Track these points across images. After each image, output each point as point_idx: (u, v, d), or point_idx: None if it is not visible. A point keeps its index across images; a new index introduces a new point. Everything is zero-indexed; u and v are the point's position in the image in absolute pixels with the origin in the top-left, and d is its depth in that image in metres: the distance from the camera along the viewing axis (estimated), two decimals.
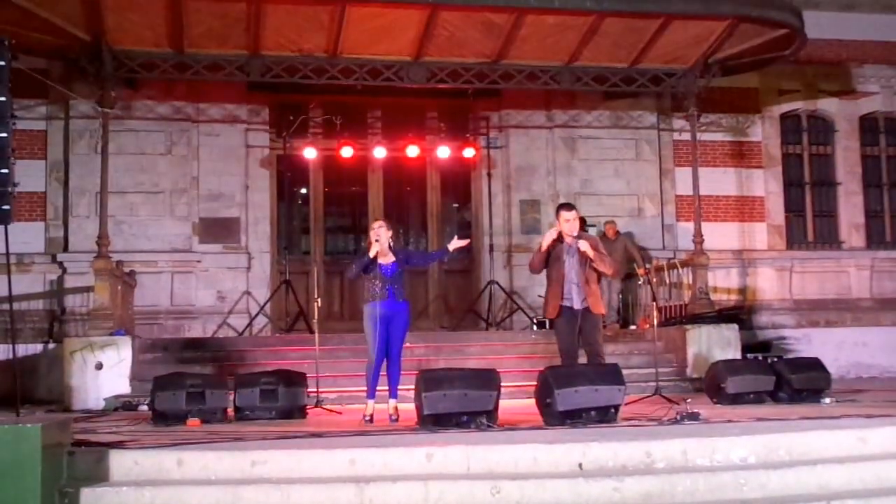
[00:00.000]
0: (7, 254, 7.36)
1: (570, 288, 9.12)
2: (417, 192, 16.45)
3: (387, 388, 9.04)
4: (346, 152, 15.05)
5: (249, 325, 14.30)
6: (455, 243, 9.25)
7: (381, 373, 9.03)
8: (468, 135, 15.90)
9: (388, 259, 9.04)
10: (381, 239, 8.99)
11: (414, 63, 13.84)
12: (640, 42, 13.68)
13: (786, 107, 17.19)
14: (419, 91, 14.73)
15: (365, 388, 9.03)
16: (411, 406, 8.62)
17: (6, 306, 8.33)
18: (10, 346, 8.39)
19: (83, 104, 14.39)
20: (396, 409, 8.96)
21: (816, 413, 8.59)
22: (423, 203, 16.46)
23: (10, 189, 7.01)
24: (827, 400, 10.06)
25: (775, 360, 11.90)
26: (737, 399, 9.93)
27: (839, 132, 17.37)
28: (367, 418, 8.83)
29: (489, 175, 15.45)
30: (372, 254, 8.88)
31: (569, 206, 9.43)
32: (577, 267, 9.14)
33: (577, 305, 9.09)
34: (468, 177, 16.46)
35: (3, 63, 7.12)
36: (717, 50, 13.92)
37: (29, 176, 13.66)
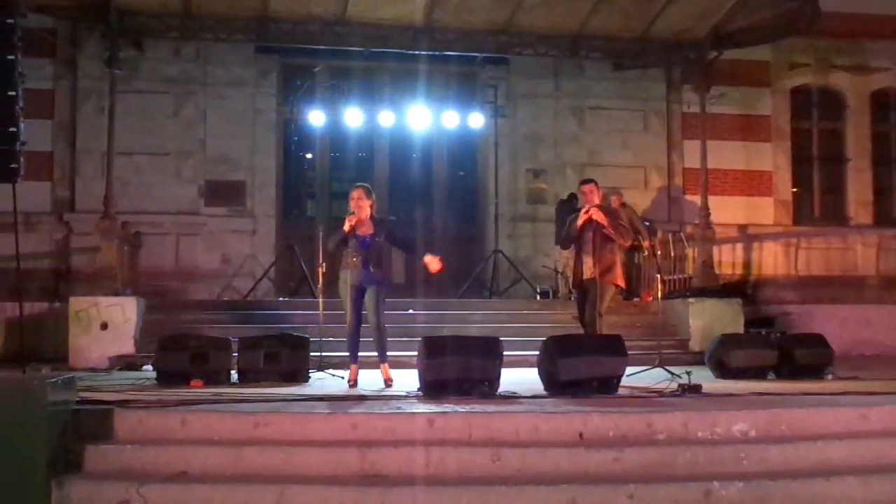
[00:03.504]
0: (15, 212, 7.39)
1: (583, 258, 9.54)
2: (423, 159, 16.41)
3: (374, 354, 9.07)
4: (353, 118, 15.02)
5: (253, 288, 14.33)
6: (431, 260, 9.12)
7: (359, 338, 9.04)
8: (475, 103, 15.85)
9: (366, 230, 8.97)
10: (359, 210, 8.95)
11: (422, 28, 13.79)
12: (651, 12, 13.61)
13: (797, 81, 17.08)
14: (427, 57, 14.67)
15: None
16: (409, 371, 8.68)
17: (13, 265, 8.33)
18: (17, 304, 8.44)
19: (90, 64, 14.37)
20: (387, 372, 8.99)
21: (818, 389, 8.62)
22: (429, 170, 16.44)
23: (18, 147, 7.01)
24: (829, 376, 10.09)
25: (778, 335, 11.93)
26: (739, 373, 9.95)
27: (850, 108, 17.26)
28: (350, 382, 8.87)
29: (496, 144, 15.42)
30: (346, 228, 8.85)
31: (586, 181, 9.90)
32: (589, 238, 9.46)
33: (588, 274, 9.47)
34: (475, 145, 16.43)
35: (11, 21, 7.10)
36: (728, 21, 13.83)
37: (36, 136, 13.63)
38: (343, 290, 9.01)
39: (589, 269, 9.45)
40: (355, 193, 9.06)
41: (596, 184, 9.78)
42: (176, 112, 15.11)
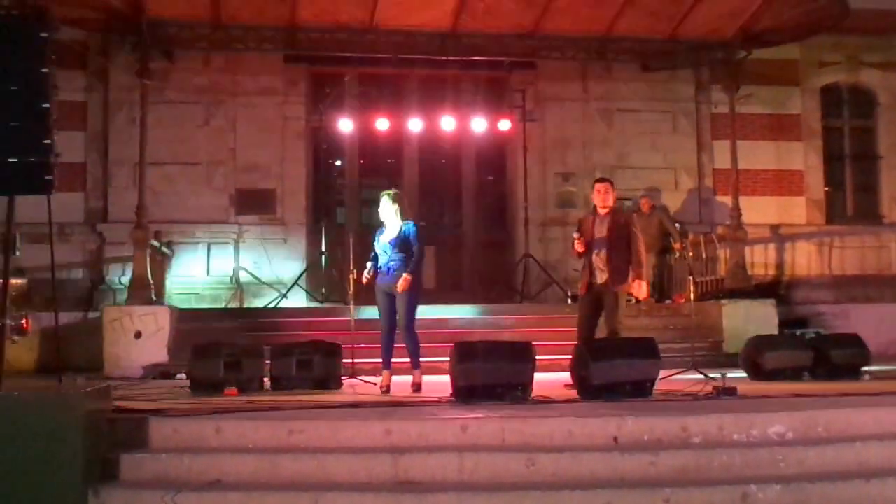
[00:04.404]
0: (50, 223, 7.43)
1: (595, 262, 9.23)
2: (452, 164, 16.42)
3: (407, 360, 9.07)
4: (382, 125, 15.03)
5: (285, 295, 14.37)
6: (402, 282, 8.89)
7: (392, 344, 9.06)
8: (504, 107, 15.82)
9: (391, 233, 9.00)
10: (385, 213, 9.01)
11: (450, 35, 13.80)
12: (678, 12, 13.55)
13: (826, 79, 16.95)
14: (455, 63, 14.69)
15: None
16: (439, 378, 8.65)
17: (48, 275, 8.39)
18: (52, 314, 8.49)
19: (122, 76, 14.48)
20: (418, 377, 8.98)
21: (855, 390, 8.49)
22: (458, 176, 16.43)
23: (53, 159, 7.05)
24: (866, 376, 9.96)
25: (813, 335, 11.82)
26: (774, 375, 9.84)
27: (881, 105, 17.12)
28: (383, 388, 8.89)
29: (524, 148, 15.37)
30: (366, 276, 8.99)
31: (601, 179, 9.69)
32: (603, 241, 9.21)
33: (601, 280, 9.19)
34: (503, 150, 16.40)
35: (45, 35, 7.14)
36: (756, 21, 13.74)
37: (69, 147, 13.71)
38: (376, 297, 9.07)
39: (602, 274, 9.21)
40: (383, 198, 9.13)
41: (611, 184, 9.54)
42: (206, 121, 15.21)
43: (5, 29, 7.11)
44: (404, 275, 8.75)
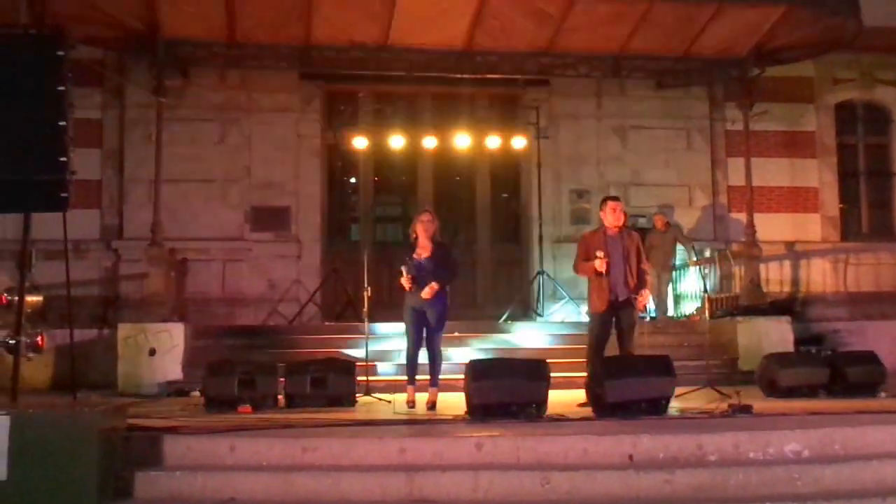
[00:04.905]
0: (65, 240, 7.47)
1: (614, 282, 9.17)
2: (467, 182, 16.41)
3: (428, 377, 9.12)
4: (396, 142, 15.04)
5: (299, 313, 14.36)
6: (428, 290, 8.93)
7: (418, 361, 9.12)
8: (518, 124, 15.81)
9: (425, 252, 9.05)
10: (425, 232, 9.06)
11: (464, 52, 13.82)
12: (693, 30, 13.55)
13: (841, 96, 16.88)
14: (469, 81, 14.71)
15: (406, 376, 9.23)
16: (454, 395, 8.64)
17: (63, 292, 8.42)
18: (68, 331, 8.51)
19: (137, 93, 14.50)
20: (435, 396, 8.99)
21: (872, 407, 8.42)
22: (473, 193, 16.42)
23: (68, 177, 7.09)
24: (883, 394, 9.88)
25: (829, 353, 11.75)
26: (790, 392, 9.77)
27: (895, 122, 17.05)
28: (410, 404, 8.97)
29: (538, 165, 15.35)
30: (407, 285, 8.91)
31: (614, 198, 9.67)
32: (620, 261, 9.20)
33: (620, 298, 9.18)
34: (517, 167, 16.38)
35: (61, 53, 7.19)
36: (770, 38, 13.74)
37: (85, 164, 13.77)
38: (405, 315, 9.09)
39: (622, 290, 9.18)
40: (425, 216, 9.18)
41: (620, 203, 9.55)
42: (221, 139, 15.24)
43: (23, 47, 7.17)
44: (433, 283, 8.82)
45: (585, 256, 9.33)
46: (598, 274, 9.12)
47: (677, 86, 15.59)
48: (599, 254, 9.06)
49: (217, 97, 15.21)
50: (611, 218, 9.34)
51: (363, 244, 14.94)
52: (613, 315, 9.21)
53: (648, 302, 9.39)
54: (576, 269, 9.62)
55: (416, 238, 9.14)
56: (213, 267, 14.88)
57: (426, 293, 8.83)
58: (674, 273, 14.84)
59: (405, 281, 8.90)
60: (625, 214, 9.68)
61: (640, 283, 9.29)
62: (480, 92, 15.87)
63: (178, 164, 14.46)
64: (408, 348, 9.16)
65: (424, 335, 9.05)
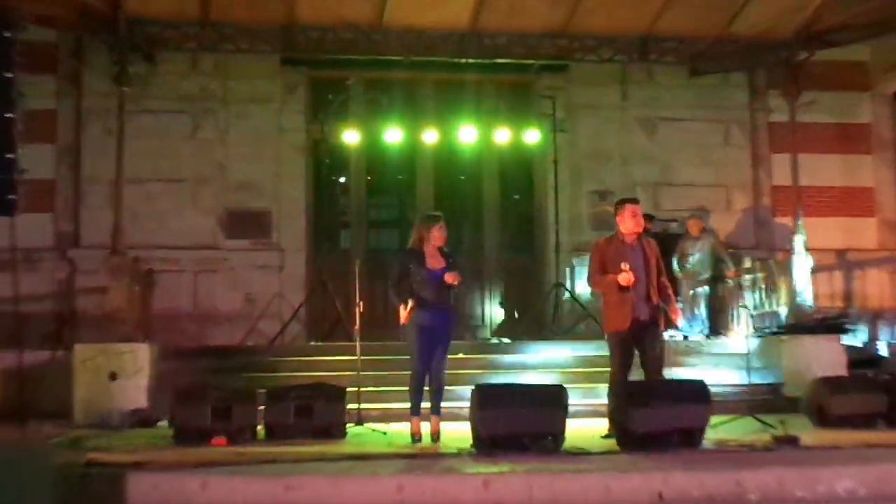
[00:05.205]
0: (14, 249, 7.48)
1: (636, 298, 9.08)
2: (472, 181, 16.44)
3: (430, 404, 9.15)
4: (393, 136, 15.08)
5: (281, 331, 14.37)
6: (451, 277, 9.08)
7: (424, 388, 9.14)
8: (531, 116, 15.84)
9: (438, 263, 9.11)
10: (440, 241, 9.17)
11: (469, 34, 13.85)
12: (730, 7, 13.60)
13: None
14: (475, 66, 14.74)
15: (409, 405, 9.17)
16: (458, 426, 8.65)
17: (11, 308, 8.44)
18: (16, 353, 8.53)
19: (97, 81, 14.56)
20: (437, 427, 9.05)
21: None
22: (479, 194, 16.45)
23: (17, 176, 7.11)
24: None
25: (888, 377, 11.73)
26: (842, 422, 9.77)
27: None
28: (416, 437, 8.95)
29: (555, 162, 15.37)
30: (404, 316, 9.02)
31: (632, 200, 9.61)
32: (642, 273, 9.13)
33: (643, 316, 9.07)
34: (530, 164, 16.42)
35: (8, 35, 7.22)
36: (820, 17, 13.75)
37: (36, 162, 13.76)
38: (413, 334, 9.08)
39: (644, 308, 9.11)
40: (443, 222, 9.27)
41: (640, 206, 9.53)
42: (192, 133, 15.28)
43: None
44: (455, 272, 8.94)
45: (601, 269, 9.25)
46: (622, 289, 9.05)
47: (713, 72, 15.62)
48: (625, 266, 8.95)
49: (187, 85, 15.25)
50: (630, 223, 9.25)
51: (354, 252, 15.01)
52: (635, 336, 9.11)
53: (681, 317, 9.30)
54: (591, 282, 9.52)
55: (421, 246, 9.15)
56: (182, 279, 14.90)
57: (452, 277, 8.91)
58: (709, 286, 14.82)
59: (405, 317, 8.96)
60: (646, 219, 9.63)
61: (665, 299, 9.27)
62: (488, 79, 15.90)
63: (142, 162, 14.50)
64: (413, 372, 9.13)
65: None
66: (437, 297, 9.02)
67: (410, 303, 8.97)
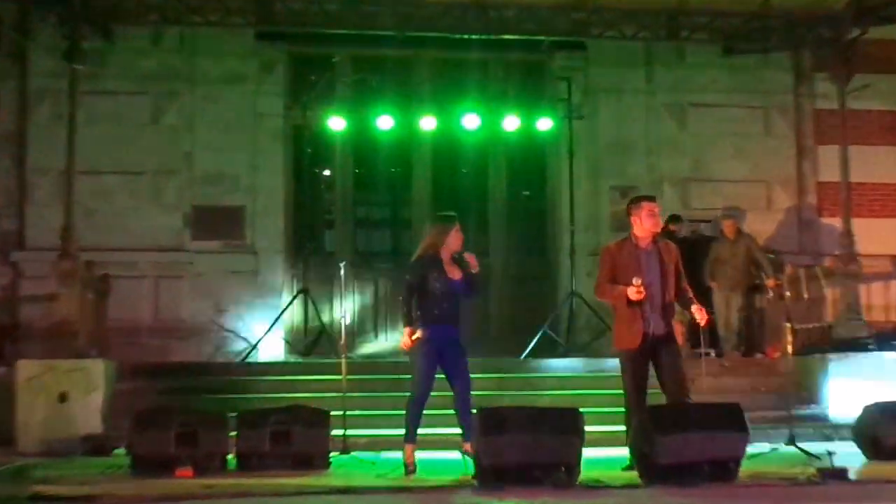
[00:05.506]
0: None
1: (650, 309, 9.03)
2: (476, 175, 16.47)
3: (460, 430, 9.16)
4: (384, 123, 15.07)
5: (255, 346, 14.38)
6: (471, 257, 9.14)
7: (423, 411, 9.10)
8: (543, 101, 15.86)
9: (455, 273, 9.12)
10: (458, 247, 9.18)
11: (473, 5, 13.86)
12: None
13: None
14: (479, 43, 14.74)
15: (404, 430, 9.12)
16: (458, 454, 8.67)
17: None
18: None
19: (45, 59, 14.55)
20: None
21: None
22: (484, 190, 16.48)
23: None
24: None
25: None
26: None
27: None
28: (409, 468, 8.92)
29: (570, 154, 15.39)
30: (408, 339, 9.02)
31: (648, 197, 9.56)
32: (657, 282, 9.07)
33: (658, 331, 9.02)
34: (543, 156, 16.45)
35: None
36: None
37: None
38: (420, 352, 9.03)
39: (659, 322, 9.03)
40: (454, 229, 9.24)
41: (658, 205, 9.45)
42: (155, 118, 15.30)
43: None
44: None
45: (611, 276, 9.20)
46: (633, 303, 8.98)
47: (752, 51, 15.66)
48: (636, 281, 8.88)
49: (149, 64, 15.27)
50: (647, 224, 9.15)
51: (340, 255, 14.99)
52: (649, 353, 9.04)
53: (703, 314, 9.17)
54: (598, 291, 9.47)
55: (437, 252, 9.13)
56: (143, 285, 14.93)
57: (472, 259, 9.01)
58: (747, 296, 14.83)
59: (406, 343, 8.99)
60: (673, 220, 9.59)
61: (684, 303, 9.22)
62: (494, 58, 15.94)
63: (97, 151, 14.51)
64: (412, 395, 9.09)
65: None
66: (450, 312, 9.03)
67: (419, 332, 8.94)
